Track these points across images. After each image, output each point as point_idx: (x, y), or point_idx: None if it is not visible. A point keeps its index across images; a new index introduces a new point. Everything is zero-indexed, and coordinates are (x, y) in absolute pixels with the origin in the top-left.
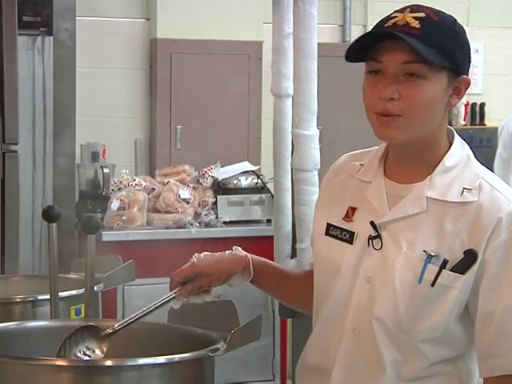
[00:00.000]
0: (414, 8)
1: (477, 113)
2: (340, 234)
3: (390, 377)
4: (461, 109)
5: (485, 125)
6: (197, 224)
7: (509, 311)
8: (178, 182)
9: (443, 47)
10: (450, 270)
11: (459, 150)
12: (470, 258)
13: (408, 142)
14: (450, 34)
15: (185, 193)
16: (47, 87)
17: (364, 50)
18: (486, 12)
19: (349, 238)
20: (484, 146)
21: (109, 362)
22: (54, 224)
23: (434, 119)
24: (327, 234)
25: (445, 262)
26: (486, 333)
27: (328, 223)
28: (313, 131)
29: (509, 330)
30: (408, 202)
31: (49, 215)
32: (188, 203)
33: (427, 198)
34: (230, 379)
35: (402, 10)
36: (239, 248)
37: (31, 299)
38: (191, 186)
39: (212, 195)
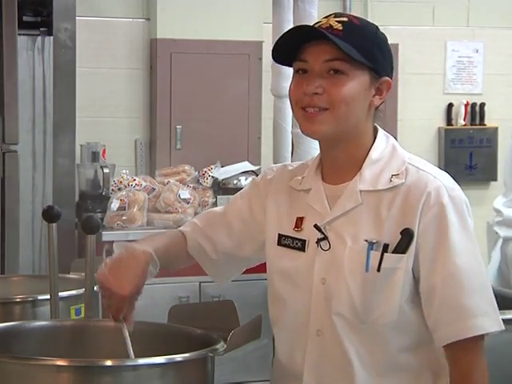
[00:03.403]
0: (337, 14)
1: (477, 113)
2: (292, 242)
3: (358, 371)
4: (461, 109)
5: (485, 125)
6: None
7: (448, 281)
8: (178, 182)
9: (363, 47)
10: (392, 253)
11: (384, 143)
12: (406, 236)
13: (333, 138)
14: (370, 37)
15: (185, 193)
16: (47, 87)
17: (291, 51)
18: (486, 12)
19: (301, 245)
20: (484, 146)
21: (109, 362)
22: (54, 224)
23: (356, 114)
24: (279, 244)
25: (386, 246)
26: (431, 308)
27: (279, 234)
28: None
29: (449, 299)
30: (344, 199)
31: (49, 215)
32: (188, 203)
33: (360, 191)
34: (230, 379)
35: (326, 16)
36: (119, 243)
37: (31, 299)
38: (191, 185)
39: (212, 195)
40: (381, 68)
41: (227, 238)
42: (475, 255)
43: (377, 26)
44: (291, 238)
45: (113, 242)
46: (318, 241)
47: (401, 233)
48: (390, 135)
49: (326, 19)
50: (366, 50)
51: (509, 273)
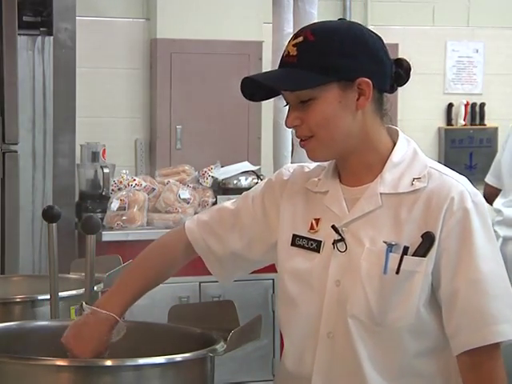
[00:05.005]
0: (298, 33)
1: (477, 113)
2: (307, 243)
3: (370, 374)
4: (461, 109)
5: (485, 125)
6: None
7: (471, 287)
8: (178, 182)
9: (321, 65)
10: (412, 256)
11: (405, 146)
12: (428, 240)
13: (337, 156)
14: (327, 48)
15: (185, 193)
16: (47, 87)
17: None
18: (486, 12)
19: (316, 246)
20: (484, 146)
21: (109, 362)
22: (54, 224)
23: (342, 129)
24: (293, 244)
25: (405, 249)
26: (453, 312)
27: (294, 234)
28: None
29: (473, 305)
30: (364, 201)
31: (49, 215)
32: (188, 203)
33: (380, 194)
34: (230, 379)
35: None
36: (88, 306)
37: (31, 299)
38: (191, 186)
39: (212, 195)
40: (350, 73)
41: (238, 238)
42: (498, 261)
43: (341, 27)
44: (306, 238)
45: (113, 242)
46: (335, 242)
47: (422, 236)
48: (410, 139)
49: (289, 42)
50: (325, 66)
51: (508, 272)
